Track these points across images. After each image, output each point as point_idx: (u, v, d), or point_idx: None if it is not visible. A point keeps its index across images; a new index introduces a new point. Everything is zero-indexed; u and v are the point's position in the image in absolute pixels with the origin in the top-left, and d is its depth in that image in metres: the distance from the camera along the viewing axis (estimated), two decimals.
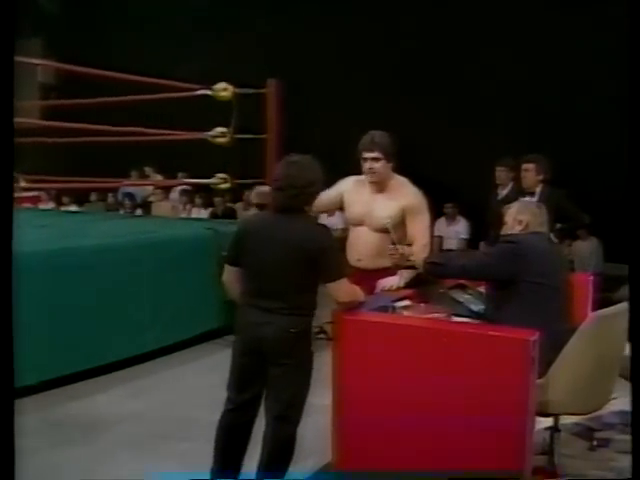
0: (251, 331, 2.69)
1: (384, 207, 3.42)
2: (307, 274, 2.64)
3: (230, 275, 2.81)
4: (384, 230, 3.40)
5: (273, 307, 2.65)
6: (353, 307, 2.76)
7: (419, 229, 3.42)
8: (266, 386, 2.73)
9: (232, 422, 2.78)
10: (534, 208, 3.17)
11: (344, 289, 2.69)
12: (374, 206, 3.46)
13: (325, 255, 2.63)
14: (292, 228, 2.65)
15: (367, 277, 3.46)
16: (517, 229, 3.07)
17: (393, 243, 3.33)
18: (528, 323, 2.56)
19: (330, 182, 3.44)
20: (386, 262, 3.42)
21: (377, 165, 3.41)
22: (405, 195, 3.42)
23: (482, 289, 3.16)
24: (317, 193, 2.75)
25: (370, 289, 3.34)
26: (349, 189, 3.62)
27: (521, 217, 3.07)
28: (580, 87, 6.90)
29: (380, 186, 3.48)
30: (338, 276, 2.67)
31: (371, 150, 3.40)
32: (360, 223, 3.52)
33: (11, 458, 1.49)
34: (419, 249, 3.40)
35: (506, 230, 3.14)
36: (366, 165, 3.43)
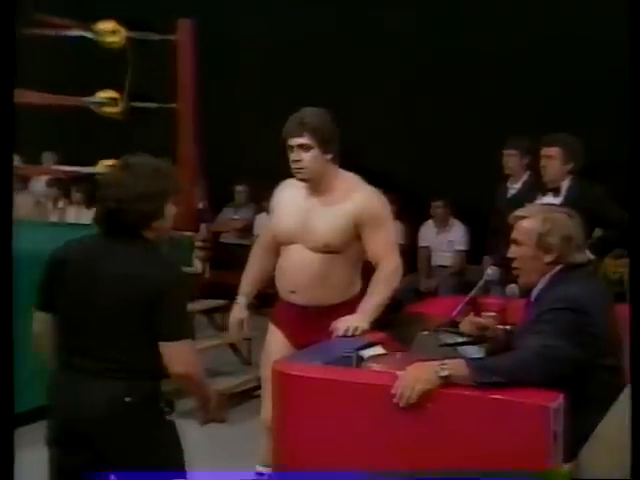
0: (63, 406, 2.66)
1: (326, 216, 3.51)
2: (147, 322, 2.61)
3: (41, 324, 2.82)
4: (328, 249, 3.50)
5: (96, 368, 2.62)
6: (199, 388, 2.77)
7: (385, 244, 3.52)
8: None
9: None
10: (565, 220, 2.97)
11: (184, 356, 2.64)
12: (311, 216, 3.55)
13: (164, 300, 2.60)
14: (125, 258, 2.67)
15: (304, 318, 3.56)
16: (545, 260, 2.91)
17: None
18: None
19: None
20: (334, 296, 3.53)
21: (306, 156, 3.49)
22: (357, 199, 3.50)
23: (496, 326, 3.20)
24: (158, 213, 2.72)
25: (309, 335, 3.42)
26: (280, 196, 3.73)
27: (550, 240, 2.90)
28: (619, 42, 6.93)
29: (319, 187, 3.56)
30: (178, 334, 2.63)
31: (299, 134, 3.48)
32: (292, 240, 3.60)
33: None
34: (391, 273, 3.52)
35: (521, 255, 2.95)
36: (292, 156, 3.52)
